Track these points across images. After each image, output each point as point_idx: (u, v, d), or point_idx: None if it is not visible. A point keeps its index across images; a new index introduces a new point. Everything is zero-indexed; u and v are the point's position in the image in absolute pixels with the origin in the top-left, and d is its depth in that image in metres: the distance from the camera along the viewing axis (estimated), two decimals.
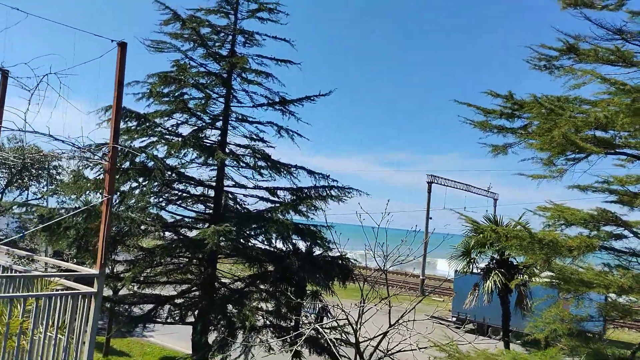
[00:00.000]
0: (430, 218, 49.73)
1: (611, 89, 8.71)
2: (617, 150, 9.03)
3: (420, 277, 47.59)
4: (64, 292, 6.64)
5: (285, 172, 17.84)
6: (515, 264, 14.33)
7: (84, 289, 6.79)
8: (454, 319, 33.87)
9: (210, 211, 18.01)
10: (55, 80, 6.58)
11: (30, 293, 6.74)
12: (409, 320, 13.82)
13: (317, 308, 15.47)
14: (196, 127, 17.44)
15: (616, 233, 9.75)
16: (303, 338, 12.01)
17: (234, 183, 18.40)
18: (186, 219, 18.43)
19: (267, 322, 15.87)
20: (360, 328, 13.73)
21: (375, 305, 13.76)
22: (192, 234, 18.06)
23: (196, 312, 16.25)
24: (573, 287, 9.01)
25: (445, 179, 53.27)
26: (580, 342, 10.13)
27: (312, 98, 18.03)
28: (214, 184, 17.91)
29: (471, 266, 14.68)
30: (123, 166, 14.31)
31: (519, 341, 30.71)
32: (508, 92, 9.89)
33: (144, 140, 16.18)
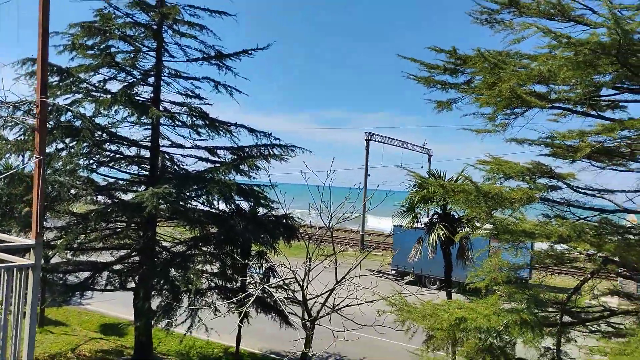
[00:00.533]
0: (369, 175, 50.57)
1: (552, 43, 8.83)
2: (554, 105, 9.25)
3: (360, 233, 48.63)
4: None
5: (224, 130, 17.19)
6: (457, 217, 14.82)
7: (20, 261, 6.15)
8: (394, 272, 35.04)
9: (146, 173, 17.16)
10: None
11: None
12: (355, 276, 14.06)
13: (264, 268, 15.32)
14: (126, 83, 16.29)
15: (551, 184, 10.17)
16: (252, 299, 11.86)
17: (170, 143, 17.58)
18: (120, 182, 17.49)
19: (212, 285, 15.58)
20: (307, 286, 13.81)
21: (322, 262, 13.82)
22: (128, 197, 17.22)
23: (137, 278, 15.68)
24: (513, 238, 9.33)
25: (382, 136, 53.96)
26: (517, 288, 10.64)
27: (249, 52, 17.27)
28: (148, 144, 16.99)
29: (416, 221, 15.02)
30: (47, 126, 13.14)
31: (434, 287, 32.65)
32: (452, 47, 9.83)
33: (68, 98, 14.94)
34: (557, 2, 8.29)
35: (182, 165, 17.50)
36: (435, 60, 10.75)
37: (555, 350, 8.89)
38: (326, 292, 13.96)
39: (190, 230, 17.17)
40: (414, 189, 13.49)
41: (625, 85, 8.79)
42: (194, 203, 16.71)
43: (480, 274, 10.87)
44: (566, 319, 9.35)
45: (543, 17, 9.60)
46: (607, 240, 7.71)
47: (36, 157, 6.10)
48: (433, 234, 14.32)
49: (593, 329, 9.27)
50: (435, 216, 15.26)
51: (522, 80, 7.18)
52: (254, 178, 17.00)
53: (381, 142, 53.99)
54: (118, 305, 21.47)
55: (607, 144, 9.60)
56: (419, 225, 15.40)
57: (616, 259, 8.24)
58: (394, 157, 56.70)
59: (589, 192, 10.53)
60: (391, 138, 55.68)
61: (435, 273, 31.73)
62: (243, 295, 12.83)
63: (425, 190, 12.26)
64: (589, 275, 10.01)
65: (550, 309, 9.12)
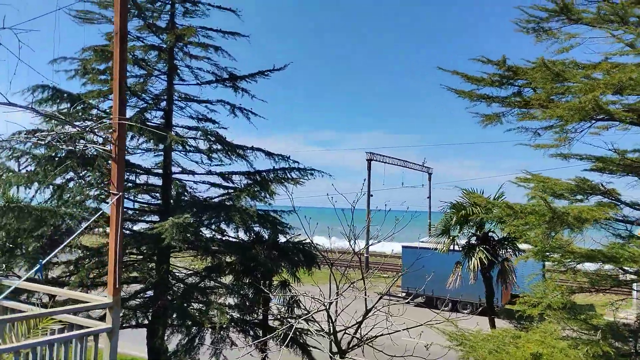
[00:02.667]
0: (371, 195, 49.89)
1: (612, 50, 8.28)
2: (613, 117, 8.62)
3: (365, 255, 47.73)
4: (68, 334, 4.92)
5: (237, 155, 16.49)
6: (497, 239, 14.11)
7: (94, 325, 5.04)
8: (404, 294, 34.06)
9: (159, 202, 16.35)
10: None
11: (23, 343, 4.66)
12: (384, 306, 13.20)
13: (287, 298, 14.44)
14: (138, 109, 15.61)
15: (608, 202, 9.51)
16: (288, 338, 10.96)
17: (181, 169, 16.85)
18: (129, 212, 16.64)
19: (233, 317, 14.65)
20: (337, 316, 12.96)
21: (352, 288, 12.98)
22: (137, 227, 16.39)
23: (150, 314, 14.73)
24: (578, 260, 8.63)
25: (383, 156, 53.61)
26: (569, 314, 9.90)
27: (265, 73, 16.68)
28: (160, 171, 16.25)
29: (453, 244, 14.28)
30: (59, 155, 12.39)
31: (466, 311, 31.67)
32: (502, 56, 9.26)
33: (79, 125, 14.18)
34: (620, 7, 7.73)
35: (195, 192, 16.74)
36: (476, 72, 10.23)
37: None
38: (355, 322, 13.11)
39: (202, 260, 16.30)
40: (449, 210, 12.77)
41: None
42: (208, 231, 15.93)
43: (531, 299, 10.15)
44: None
45: (594, 25, 9.10)
46: None
47: (113, 193, 5.22)
48: (474, 257, 13.54)
49: None
50: (474, 238, 14.52)
51: (602, 91, 6.57)
52: (269, 204, 16.28)
53: (382, 161, 53.58)
54: (127, 341, 20.34)
55: None
56: (456, 247, 14.62)
57: None
58: (392, 177, 56.18)
59: None
60: (391, 157, 55.37)
61: (440, 293, 30.73)
62: (274, 334, 11.89)
63: (463, 211, 11.54)
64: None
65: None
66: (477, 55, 9.57)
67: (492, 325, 13.58)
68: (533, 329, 9.81)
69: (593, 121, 7.97)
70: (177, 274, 15.97)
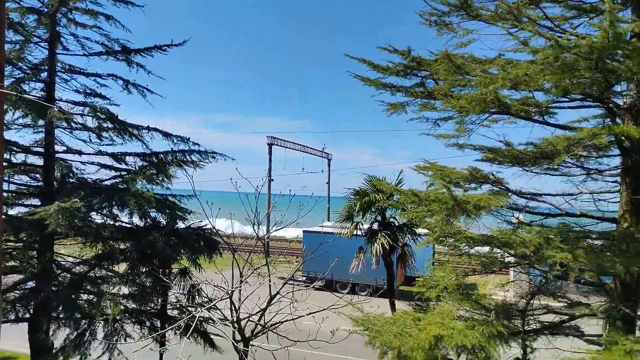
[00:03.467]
0: (272, 180, 49.67)
1: (505, 47, 8.76)
2: (530, 117, 9.12)
3: (265, 239, 47.59)
4: None
5: (131, 134, 15.30)
6: (397, 225, 14.56)
7: None
8: (304, 278, 34.47)
9: (40, 183, 14.74)
10: None
11: None
12: (288, 292, 13.09)
13: (187, 287, 13.79)
14: (13, 79, 13.84)
15: (498, 191, 10.16)
16: (191, 329, 10.44)
17: (65, 149, 15.28)
18: (4, 194, 14.82)
19: (127, 308, 13.71)
20: (240, 305, 12.63)
21: (255, 273, 12.68)
22: (12, 211, 14.67)
23: (31, 307, 13.30)
24: (470, 245, 9.12)
25: (284, 141, 53.47)
26: (463, 295, 10.51)
27: (162, 48, 15.60)
28: (41, 149, 14.63)
29: (356, 230, 14.49)
30: None
31: (364, 293, 32.82)
32: (407, 47, 9.42)
33: None
34: (515, 6, 8.15)
35: (83, 174, 15.30)
36: (382, 61, 10.33)
37: None
38: (261, 310, 12.88)
39: (92, 247, 15.03)
40: (352, 197, 12.93)
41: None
42: (99, 216, 14.68)
43: (429, 282, 10.60)
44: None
45: (491, 22, 9.57)
46: (578, 247, 7.70)
47: None
48: (377, 243, 13.88)
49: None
50: (376, 224, 14.88)
51: (501, 84, 6.89)
52: (167, 188, 15.39)
53: (283, 146, 53.44)
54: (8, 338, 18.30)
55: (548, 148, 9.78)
56: (359, 233, 14.86)
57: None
58: (293, 162, 56.36)
59: (527, 196, 10.76)
60: (292, 142, 55.38)
61: (346, 278, 31.59)
62: (177, 324, 11.30)
63: (367, 197, 11.74)
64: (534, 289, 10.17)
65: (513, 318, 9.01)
66: (386, 44, 9.60)
67: (393, 308, 14.12)
68: (431, 310, 10.28)
69: (489, 114, 8.41)
70: (63, 263, 14.59)
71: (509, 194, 10.34)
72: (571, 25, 9.26)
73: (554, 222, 10.44)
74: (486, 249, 10.68)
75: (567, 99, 8.72)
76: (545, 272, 10.05)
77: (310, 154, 60.02)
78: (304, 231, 36.00)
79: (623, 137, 7.52)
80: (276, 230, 13.57)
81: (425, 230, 11.05)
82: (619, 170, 9.63)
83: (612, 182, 10.52)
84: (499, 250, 10.50)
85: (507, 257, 11.20)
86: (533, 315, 9.39)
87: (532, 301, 9.23)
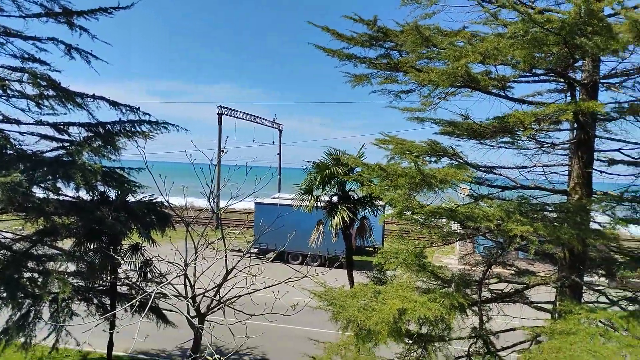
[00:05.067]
0: (224, 151, 48.55)
1: (470, 18, 8.70)
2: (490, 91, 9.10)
3: (216, 212, 46.83)
4: None
5: (75, 103, 14.35)
6: (356, 198, 14.52)
7: None
8: (255, 250, 34.26)
9: None
10: None
11: None
12: (245, 267, 12.89)
13: (139, 263, 13.29)
14: None
15: (457, 164, 10.25)
16: (147, 307, 10.05)
17: (1, 117, 14.15)
18: None
19: (74, 286, 13.07)
20: (196, 281, 12.32)
21: (210, 247, 12.38)
22: None
23: None
24: (433, 219, 9.18)
25: (235, 110, 52.31)
26: (419, 267, 10.66)
27: (108, 10, 14.56)
28: None
29: (316, 203, 14.33)
30: None
31: (315, 263, 33.07)
32: (373, 16, 9.16)
33: None
34: None
35: (22, 145, 14.24)
36: (345, 31, 10.03)
37: (478, 329, 9.05)
38: (216, 285, 12.63)
39: (33, 223, 14.14)
40: (312, 170, 12.74)
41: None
42: (40, 190, 13.79)
43: (388, 255, 10.68)
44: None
45: None
46: (536, 219, 7.89)
47: None
48: (337, 216, 13.80)
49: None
50: (336, 197, 14.77)
51: (471, 59, 6.81)
52: (115, 160, 14.60)
53: (233, 116, 52.27)
54: None
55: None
56: (319, 205, 14.71)
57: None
58: (243, 132, 55.19)
59: (484, 169, 10.94)
60: (243, 112, 54.25)
61: (299, 249, 31.56)
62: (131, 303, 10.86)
63: (328, 170, 11.59)
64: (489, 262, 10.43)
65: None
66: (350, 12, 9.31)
67: (351, 280, 14.24)
68: (390, 282, 10.37)
69: (456, 88, 8.38)
70: (2, 240, 13.67)
71: (468, 167, 10.49)
72: None
73: (510, 194, 10.74)
74: (443, 220, 10.90)
75: (529, 74, 8.80)
76: (501, 243, 10.36)
77: (262, 124, 59.11)
78: (256, 203, 35.59)
79: (581, 112, 7.67)
80: (234, 204, 13.25)
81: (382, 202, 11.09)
82: (570, 144, 9.94)
83: (563, 155, 10.88)
84: (453, 222, 10.69)
85: (462, 229, 11.45)
86: (487, 284, 9.67)
87: (488, 271, 9.47)
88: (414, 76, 7.55)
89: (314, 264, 32.58)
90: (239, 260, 12.81)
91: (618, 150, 9.62)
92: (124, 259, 12.96)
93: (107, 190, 13.91)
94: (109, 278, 13.14)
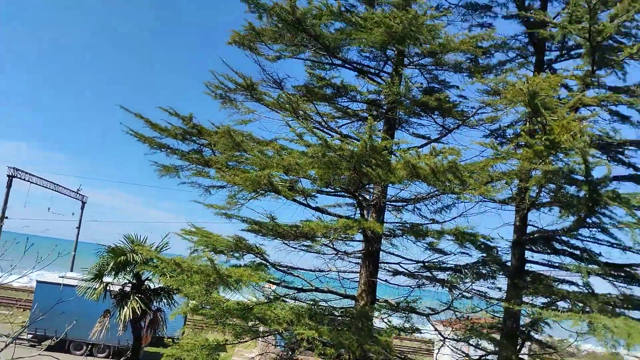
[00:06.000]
0: (7, 217, 42.30)
1: (283, 132, 9.54)
2: (295, 198, 9.79)
3: None
4: None
5: None
6: (153, 288, 13.59)
7: None
8: (30, 336, 29.16)
9: None
10: None
11: None
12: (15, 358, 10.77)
13: None
14: None
15: (259, 262, 10.61)
16: None
17: None
18: None
19: None
20: None
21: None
22: None
23: None
24: (231, 316, 9.20)
25: (31, 175, 46.58)
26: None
27: None
28: None
29: (105, 291, 12.98)
30: None
31: (102, 355, 29.39)
32: (190, 113, 9.45)
33: None
34: (295, 99, 9.01)
35: None
36: (160, 121, 10.08)
37: None
38: None
39: None
40: (106, 254, 11.78)
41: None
42: None
43: (179, 352, 10.21)
44: None
45: (272, 108, 10.33)
46: (323, 323, 8.39)
47: None
48: (127, 307, 12.64)
49: None
50: (129, 286, 13.62)
51: (275, 169, 7.39)
52: None
53: (28, 180, 46.34)
54: None
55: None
56: (109, 294, 13.31)
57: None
58: (37, 199, 49.08)
59: (284, 269, 11.48)
60: (41, 178, 48.51)
61: (83, 337, 27.81)
62: None
63: (124, 256, 10.87)
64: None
65: None
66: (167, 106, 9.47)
67: None
68: None
69: (260, 194, 8.87)
70: None
71: (269, 266, 10.88)
72: (337, 123, 10.63)
73: (305, 296, 11.34)
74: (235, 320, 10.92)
75: (330, 189, 9.78)
76: (293, 344, 10.68)
77: (63, 193, 53.30)
78: (37, 282, 30.91)
79: (367, 229, 8.73)
80: (9, 281, 11.32)
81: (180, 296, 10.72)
82: (361, 254, 11.10)
83: (355, 263, 12.04)
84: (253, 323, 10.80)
85: (262, 327, 11.58)
86: None
87: None
88: (221, 177, 7.85)
89: (101, 355, 29.00)
90: (3, 348, 10.71)
91: (398, 264, 11.07)
92: None
93: None
94: None
